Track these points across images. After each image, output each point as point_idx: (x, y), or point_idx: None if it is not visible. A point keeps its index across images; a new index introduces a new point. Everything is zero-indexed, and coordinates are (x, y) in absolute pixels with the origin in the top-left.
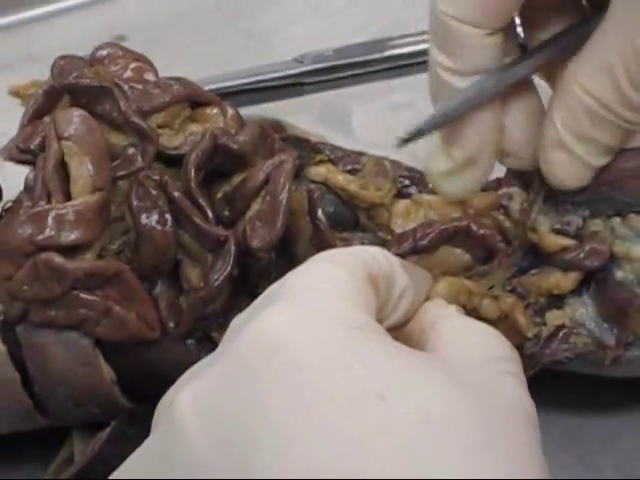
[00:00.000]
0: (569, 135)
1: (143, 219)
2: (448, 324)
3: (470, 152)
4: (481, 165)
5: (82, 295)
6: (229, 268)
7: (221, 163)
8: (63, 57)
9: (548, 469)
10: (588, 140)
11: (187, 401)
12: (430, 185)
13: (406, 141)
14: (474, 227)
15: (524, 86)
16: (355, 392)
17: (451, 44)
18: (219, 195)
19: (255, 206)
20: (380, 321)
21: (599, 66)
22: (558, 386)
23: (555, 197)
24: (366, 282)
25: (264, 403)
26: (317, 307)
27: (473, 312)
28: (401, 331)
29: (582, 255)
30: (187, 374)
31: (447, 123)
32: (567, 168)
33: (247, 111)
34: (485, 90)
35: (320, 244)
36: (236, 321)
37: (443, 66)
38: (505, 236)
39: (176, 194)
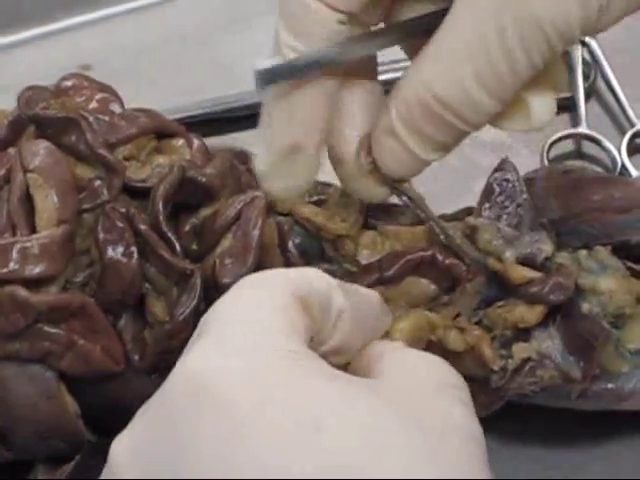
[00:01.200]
0: (401, 126)
1: (109, 252)
2: (395, 354)
3: (294, 137)
4: (305, 154)
5: (46, 328)
6: (195, 302)
7: (188, 196)
8: (30, 87)
9: None
10: (420, 134)
11: (123, 449)
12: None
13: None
14: (439, 257)
15: (365, 70)
16: (289, 425)
17: (301, 24)
18: (187, 228)
19: (225, 242)
20: (319, 344)
21: (440, 58)
22: (525, 417)
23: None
24: (295, 305)
25: (197, 448)
26: (243, 340)
27: (438, 345)
28: (348, 367)
29: (547, 289)
30: (133, 419)
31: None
32: (397, 157)
33: (214, 141)
34: (324, 59)
35: None
36: (184, 352)
37: (290, 45)
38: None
39: (142, 227)
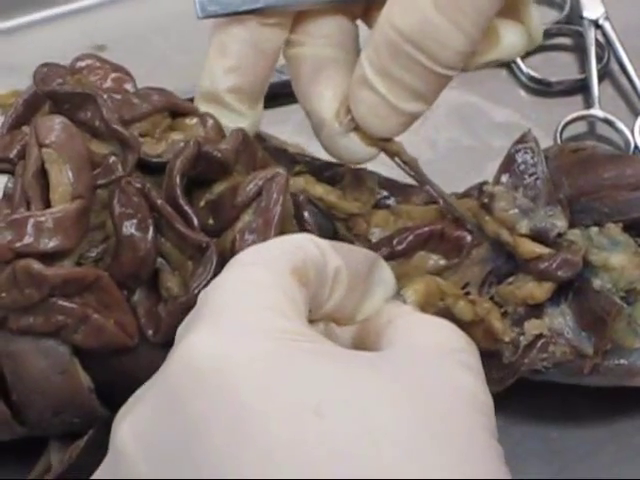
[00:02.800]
0: (373, 72)
1: (125, 226)
2: (403, 320)
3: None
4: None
5: (60, 302)
6: (211, 274)
7: (203, 171)
8: (45, 64)
9: (503, 459)
10: (392, 78)
11: (127, 432)
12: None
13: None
14: (448, 230)
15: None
16: (290, 410)
17: None
18: (202, 203)
19: (246, 217)
20: (318, 308)
21: None
22: (539, 398)
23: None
24: (293, 280)
25: (201, 431)
26: (242, 323)
27: (446, 313)
28: (358, 332)
29: (554, 266)
30: (131, 399)
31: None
32: (374, 109)
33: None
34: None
35: None
36: (178, 331)
37: None
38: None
39: (159, 201)
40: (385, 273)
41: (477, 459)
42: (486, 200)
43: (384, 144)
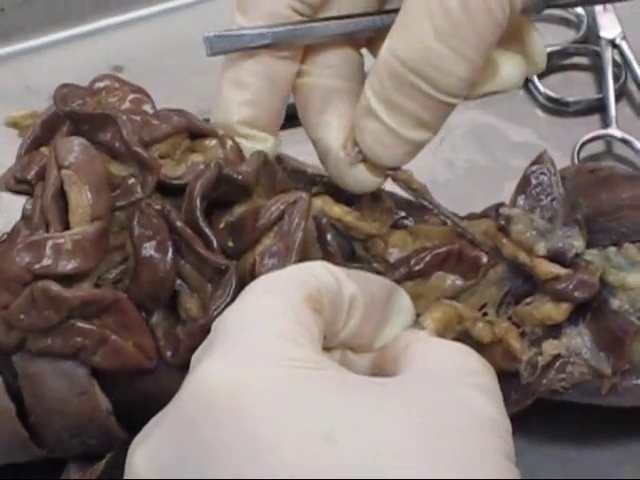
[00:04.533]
0: (377, 101)
1: (144, 247)
2: (420, 345)
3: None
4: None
5: (79, 324)
6: (230, 297)
7: (223, 193)
8: (65, 85)
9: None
10: (395, 107)
11: (142, 460)
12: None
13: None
14: (466, 250)
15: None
16: (302, 437)
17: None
18: (221, 225)
19: (267, 240)
20: (334, 336)
21: (404, 22)
22: (558, 418)
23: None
24: (307, 308)
25: (214, 458)
26: (255, 351)
27: (465, 336)
28: (375, 359)
29: (571, 287)
30: (147, 426)
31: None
32: (379, 138)
33: None
34: (273, 35)
35: None
36: (193, 357)
37: (238, 22)
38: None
39: (178, 223)
40: (404, 302)
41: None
42: (503, 222)
43: (393, 173)
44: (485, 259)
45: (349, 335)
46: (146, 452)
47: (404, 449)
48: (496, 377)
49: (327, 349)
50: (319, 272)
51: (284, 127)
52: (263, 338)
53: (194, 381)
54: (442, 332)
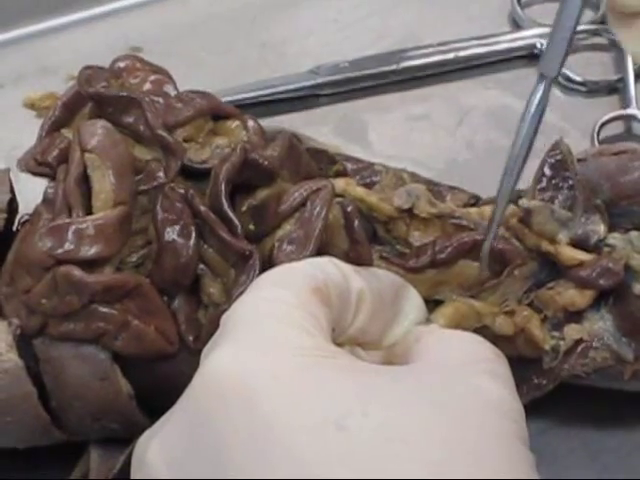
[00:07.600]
0: None
1: (167, 231)
2: (431, 336)
3: None
4: None
5: (100, 308)
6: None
7: (248, 178)
8: (89, 67)
9: (534, 466)
10: None
11: (156, 453)
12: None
13: None
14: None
15: None
16: (313, 425)
17: None
18: (244, 209)
19: (287, 226)
20: (342, 331)
21: None
22: (580, 400)
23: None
24: (315, 299)
25: (227, 447)
26: (265, 340)
27: (487, 332)
28: (385, 356)
29: (595, 274)
30: (161, 418)
31: None
32: None
33: (263, 123)
34: None
35: (358, 258)
36: (204, 351)
37: None
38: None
39: (202, 208)
40: (414, 300)
41: (503, 466)
42: (523, 215)
43: None
44: (514, 253)
45: (358, 331)
46: (159, 445)
47: (415, 435)
48: (508, 364)
49: (336, 345)
50: (327, 267)
51: (298, 109)
52: (274, 328)
53: (205, 371)
54: (454, 328)
